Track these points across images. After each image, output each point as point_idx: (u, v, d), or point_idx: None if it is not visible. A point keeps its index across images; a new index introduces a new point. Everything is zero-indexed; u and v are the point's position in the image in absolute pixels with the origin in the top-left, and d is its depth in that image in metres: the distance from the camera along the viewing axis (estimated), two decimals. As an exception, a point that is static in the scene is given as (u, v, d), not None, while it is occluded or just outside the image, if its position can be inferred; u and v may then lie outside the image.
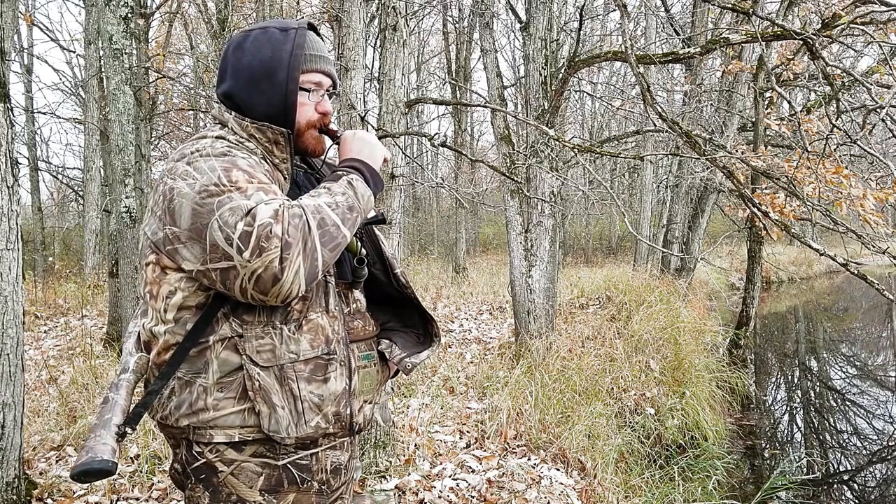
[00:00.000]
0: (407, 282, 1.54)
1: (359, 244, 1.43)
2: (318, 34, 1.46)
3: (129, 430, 1.24)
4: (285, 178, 1.39)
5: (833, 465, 5.65)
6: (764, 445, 5.98)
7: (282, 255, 1.13)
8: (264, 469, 1.29)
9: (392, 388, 1.66)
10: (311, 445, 1.33)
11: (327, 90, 1.43)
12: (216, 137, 1.33)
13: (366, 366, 1.43)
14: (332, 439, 1.37)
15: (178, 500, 2.93)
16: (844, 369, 9.35)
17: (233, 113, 1.38)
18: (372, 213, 1.47)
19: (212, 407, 1.26)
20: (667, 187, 11.50)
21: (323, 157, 1.54)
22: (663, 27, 10.07)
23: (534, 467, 3.67)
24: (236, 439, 1.27)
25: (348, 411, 1.35)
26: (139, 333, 1.39)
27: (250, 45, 1.36)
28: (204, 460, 1.29)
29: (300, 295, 1.21)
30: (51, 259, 12.12)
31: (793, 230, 3.85)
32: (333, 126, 1.48)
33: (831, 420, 6.97)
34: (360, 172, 1.36)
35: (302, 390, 1.27)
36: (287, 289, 1.16)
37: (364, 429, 1.47)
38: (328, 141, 1.48)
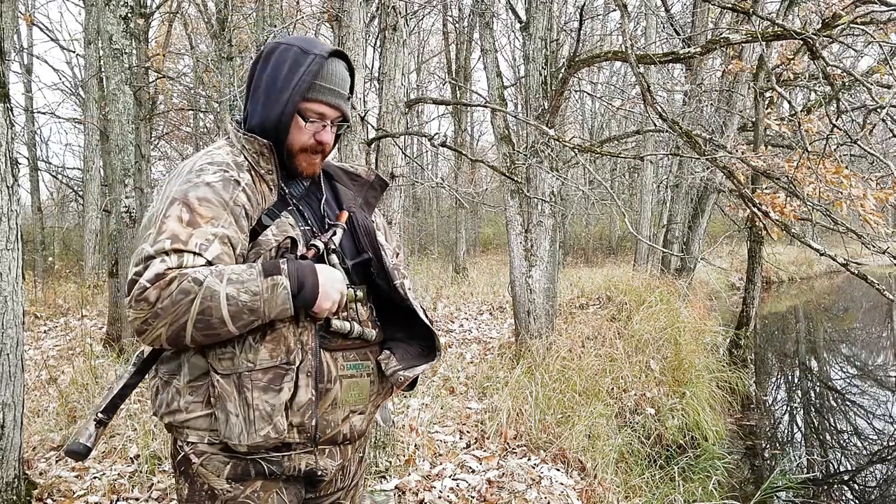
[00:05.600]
0: (406, 293, 1.48)
1: (354, 294, 1.43)
2: (348, 62, 1.45)
3: (105, 417, 1.32)
4: (271, 190, 1.40)
5: (833, 465, 5.65)
6: (764, 445, 5.98)
7: (147, 318, 1.19)
8: (231, 460, 1.34)
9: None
10: (281, 449, 1.34)
11: (334, 122, 1.43)
12: (215, 149, 1.40)
13: (353, 375, 1.41)
14: (303, 446, 1.36)
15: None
16: (845, 369, 9.35)
17: (233, 124, 1.45)
18: (364, 256, 1.48)
19: (184, 409, 1.33)
20: (667, 187, 11.50)
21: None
22: (663, 27, 10.06)
23: (534, 467, 3.67)
24: (206, 441, 1.33)
25: (314, 422, 1.33)
26: None
27: (275, 59, 1.41)
28: (183, 454, 1.36)
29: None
30: (51, 259, 12.12)
31: (793, 230, 3.86)
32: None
33: (831, 420, 6.96)
34: (299, 287, 1.26)
35: (255, 399, 1.27)
36: (148, 344, 1.24)
37: (356, 439, 1.47)
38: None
